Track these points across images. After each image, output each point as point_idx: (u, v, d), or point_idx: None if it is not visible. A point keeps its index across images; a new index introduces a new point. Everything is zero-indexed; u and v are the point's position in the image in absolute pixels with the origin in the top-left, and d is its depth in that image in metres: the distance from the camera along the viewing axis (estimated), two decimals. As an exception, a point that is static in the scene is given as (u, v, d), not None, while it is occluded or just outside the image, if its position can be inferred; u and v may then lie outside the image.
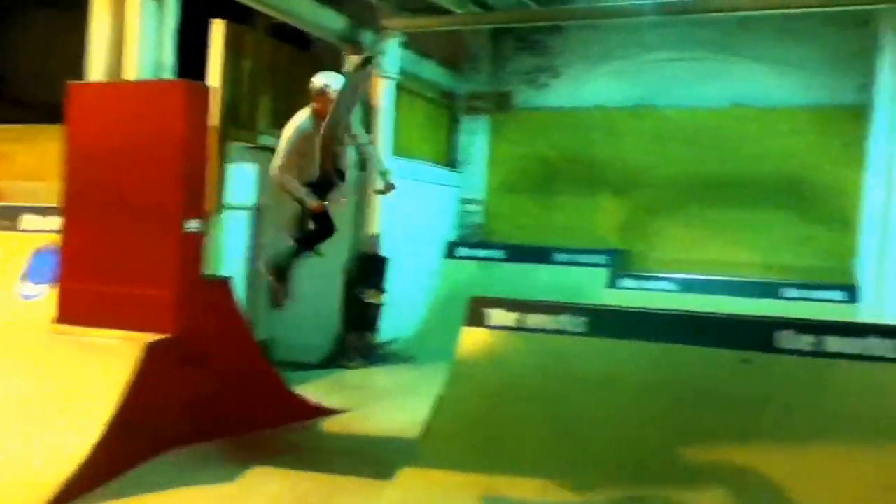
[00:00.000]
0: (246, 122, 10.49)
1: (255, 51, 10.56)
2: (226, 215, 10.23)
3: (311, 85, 6.79)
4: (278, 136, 10.87)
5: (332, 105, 6.47)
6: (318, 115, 6.67)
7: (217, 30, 9.75)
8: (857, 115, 13.05)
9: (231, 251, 10.62)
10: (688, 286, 13.19)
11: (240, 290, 9.24)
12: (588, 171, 14.96)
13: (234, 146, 10.30)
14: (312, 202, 6.79)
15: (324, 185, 6.82)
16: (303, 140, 6.68)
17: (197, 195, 7.25)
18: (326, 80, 6.75)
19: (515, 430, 6.69)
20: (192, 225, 7.10)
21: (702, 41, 14.23)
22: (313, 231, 7.02)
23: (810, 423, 5.92)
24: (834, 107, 13.57)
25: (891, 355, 6.13)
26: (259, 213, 11.55)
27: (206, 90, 7.56)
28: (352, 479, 6.58)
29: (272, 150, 11.14)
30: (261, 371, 7.98)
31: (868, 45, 12.79)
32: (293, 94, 11.52)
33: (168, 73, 8.00)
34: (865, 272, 11.87)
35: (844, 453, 5.77)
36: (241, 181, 10.89)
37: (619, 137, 14.76)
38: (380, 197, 12.08)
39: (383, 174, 7.41)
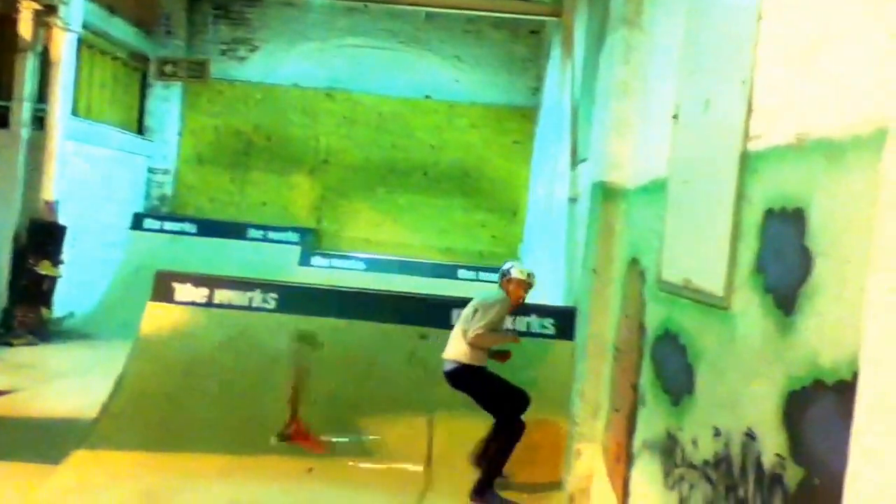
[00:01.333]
0: None
1: None
2: None
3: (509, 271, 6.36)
4: None
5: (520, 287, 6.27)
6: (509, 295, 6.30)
7: None
8: (526, 115, 14.47)
9: None
10: (374, 265, 13.79)
11: None
12: (283, 148, 15.04)
13: None
14: (511, 336, 6.42)
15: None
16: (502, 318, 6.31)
17: None
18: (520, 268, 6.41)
19: (198, 409, 6.62)
20: None
21: (394, 32, 14.89)
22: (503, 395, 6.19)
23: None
24: (507, 106, 14.89)
25: (548, 332, 6.90)
26: None
27: None
28: (18, 464, 6.08)
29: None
30: None
31: (539, 52, 14.14)
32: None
33: None
34: (528, 257, 13.12)
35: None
36: None
37: (314, 118, 15.01)
38: (56, 158, 11.20)
39: None
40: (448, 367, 6.11)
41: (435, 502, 5.88)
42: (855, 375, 2.29)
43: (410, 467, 6.35)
